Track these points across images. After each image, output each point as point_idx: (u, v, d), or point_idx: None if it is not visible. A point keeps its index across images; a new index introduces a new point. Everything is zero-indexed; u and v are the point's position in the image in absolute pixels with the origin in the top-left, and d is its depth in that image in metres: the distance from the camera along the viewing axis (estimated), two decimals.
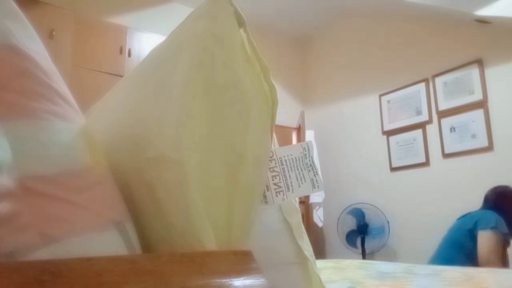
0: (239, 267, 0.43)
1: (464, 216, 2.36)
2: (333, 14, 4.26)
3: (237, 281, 0.41)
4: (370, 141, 3.90)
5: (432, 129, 3.40)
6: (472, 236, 2.15)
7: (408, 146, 3.56)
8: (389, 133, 3.74)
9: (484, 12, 2.80)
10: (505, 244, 2.17)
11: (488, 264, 2.01)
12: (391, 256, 3.51)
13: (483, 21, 2.96)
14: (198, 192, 0.45)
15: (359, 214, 3.57)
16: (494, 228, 2.10)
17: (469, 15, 2.93)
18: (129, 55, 3.18)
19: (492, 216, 2.16)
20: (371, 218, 3.52)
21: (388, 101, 3.79)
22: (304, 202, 3.94)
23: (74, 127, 0.44)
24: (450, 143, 3.24)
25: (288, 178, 0.56)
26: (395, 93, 3.73)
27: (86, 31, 3.03)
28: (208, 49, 0.50)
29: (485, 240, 2.08)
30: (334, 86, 4.40)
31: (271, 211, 0.60)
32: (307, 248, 0.62)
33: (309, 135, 4.12)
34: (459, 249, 2.19)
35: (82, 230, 0.38)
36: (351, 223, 3.60)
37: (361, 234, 3.54)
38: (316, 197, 3.91)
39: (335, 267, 1.56)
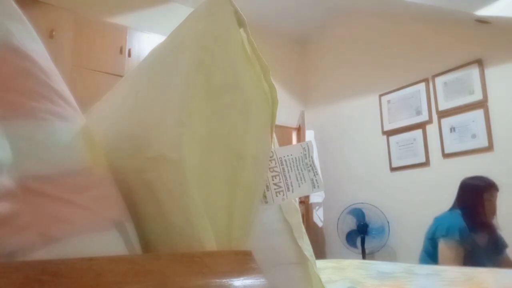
0: (239, 267, 0.43)
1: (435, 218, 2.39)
2: (333, 14, 4.26)
3: (237, 281, 0.41)
4: (370, 141, 3.90)
5: (432, 129, 3.40)
6: (434, 244, 2.21)
7: (408, 146, 3.56)
8: (389, 133, 3.74)
9: (484, 12, 2.80)
10: (463, 245, 2.12)
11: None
12: (391, 256, 3.50)
13: (483, 21, 2.96)
14: (198, 192, 0.45)
15: (359, 214, 3.57)
16: (444, 236, 2.13)
17: (469, 15, 2.93)
18: (129, 55, 3.18)
19: (445, 223, 2.19)
20: (371, 218, 3.52)
21: (388, 101, 3.79)
22: (304, 202, 3.94)
23: (74, 127, 0.44)
24: (450, 143, 3.24)
25: (288, 178, 0.56)
26: (395, 93, 3.73)
27: (86, 31, 3.03)
28: (208, 49, 0.50)
29: (442, 251, 2.13)
30: (334, 86, 4.40)
31: (271, 211, 0.60)
32: (307, 248, 0.62)
33: (309, 135, 4.12)
34: (429, 256, 2.25)
35: (82, 230, 0.38)
36: (351, 223, 3.60)
37: (361, 234, 3.54)
38: (316, 197, 3.91)
39: (335, 267, 1.56)
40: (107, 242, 0.40)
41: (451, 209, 2.36)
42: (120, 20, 3.39)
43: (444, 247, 2.12)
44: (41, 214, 0.36)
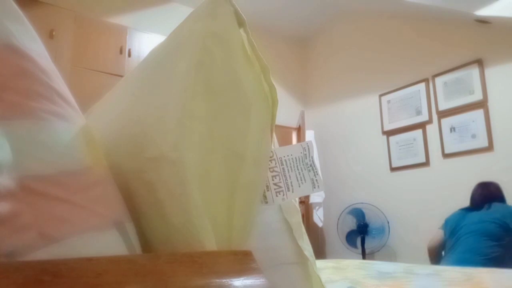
0: (239, 267, 0.43)
1: (476, 209, 2.44)
2: (333, 14, 4.26)
3: (237, 281, 0.41)
4: (370, 141, 3.90)
5: (432, 129, 3.40)
6: (507, 229, 2.26)
7: (408, 146, 3.56)
8: (389, 133, 3.74)
9: (484, 12, 2.80)
10: None
11: None
12: (391, 256, 3.50)
13: (483, 21, 2.96)
14: (198, 192, 0.45)
15: (359, 214, 3.57)
16: None
17: (469, 15, 2.93)
18: (129, 55, 3.18)
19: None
20: (371, 218, 3.52)
21: (388, 101, 3.79)
22: (304, 202, 3.94)
23: (74, 127, 0.44)
24: (450, 143, 3.24)
25: (288, 178, 0.56)
26: (395, 93, 3.73)
27: (86, 31, 3.03)
28: (208, 49, 0.50)
29: None
30: (334, 86, 4.40)
31: (271, 211, 0.60)
32: (307, 248, 0.61)
33: (309, 135, 4.12)
34: (496, 240, 2.25)
35: (82, 230, 0.38)
36: (351, 223, 3.60)
37: (361, 234, 3.54)
38: (316, 197, 3.91)
39: (335, 267, 1.56)
40: (107, 242, 0.40)
41: (487, 203, 2.45)
42: (120, 20, 3.39)
43: None
44: (41, 214, 0.36)
